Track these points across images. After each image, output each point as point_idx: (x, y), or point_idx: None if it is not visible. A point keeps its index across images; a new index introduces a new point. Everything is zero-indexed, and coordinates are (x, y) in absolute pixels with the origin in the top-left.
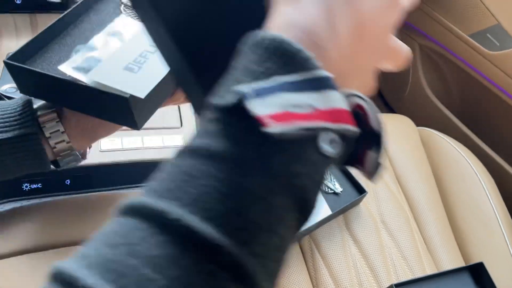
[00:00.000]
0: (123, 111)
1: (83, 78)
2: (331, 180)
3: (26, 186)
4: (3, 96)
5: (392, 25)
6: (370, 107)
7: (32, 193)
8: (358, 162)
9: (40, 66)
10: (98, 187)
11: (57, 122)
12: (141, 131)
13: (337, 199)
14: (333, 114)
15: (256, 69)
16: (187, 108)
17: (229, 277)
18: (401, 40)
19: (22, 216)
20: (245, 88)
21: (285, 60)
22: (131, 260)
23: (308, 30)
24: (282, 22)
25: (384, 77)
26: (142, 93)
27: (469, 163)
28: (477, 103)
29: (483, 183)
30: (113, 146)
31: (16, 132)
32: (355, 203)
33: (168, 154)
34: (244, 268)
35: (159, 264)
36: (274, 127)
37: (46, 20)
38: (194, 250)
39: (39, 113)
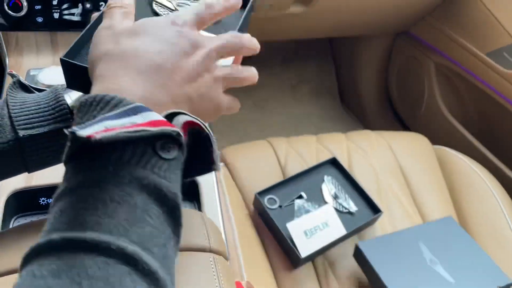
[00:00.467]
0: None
1: None
2: (345, 199)
3: (43, 200)
4: (31, 88)
5: (218, 96)
6: (195, 119)
7: (48, 207)
8: (212, 163)
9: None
10: None
11: None
12: None
13: (352, 219)
14: (152, 123)
15: (86, 116)
16: None
17: (118, 262)
18: (416, 59)
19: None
20: (76, 128)
21: (103, 105)
22: None
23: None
24: (99, 89)
25: (399, 95)
26: None
27: (486, 183)
28: (494, 122)
29: (500, 203)
30: None
31: (51, 127)
32: (370, 223)
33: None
34: (125, 251)
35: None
36: (98, 136)
37: (66, 38)
38: (88, 252)
39: (72, 106)
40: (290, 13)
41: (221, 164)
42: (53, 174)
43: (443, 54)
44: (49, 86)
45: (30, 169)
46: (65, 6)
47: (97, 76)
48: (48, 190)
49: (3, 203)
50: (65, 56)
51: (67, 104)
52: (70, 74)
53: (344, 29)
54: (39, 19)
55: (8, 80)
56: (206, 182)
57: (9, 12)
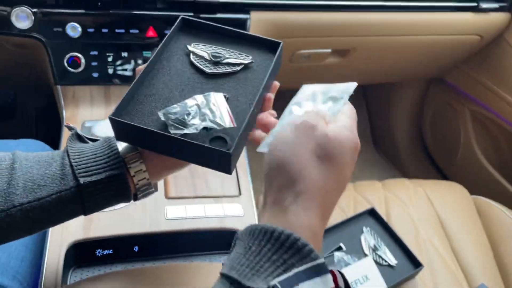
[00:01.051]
0: (221, 161)
1: (182, 131)
2: (385, 251)
3: (99, 252)
4: (86, 139)
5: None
6: (338, 273)
7: (104, 259)
8: None
9: (136, 118)
10: (164, 254)
11: (140, 162)
12: (202, 199)
13: (392, 272)
14: None
15: (275, 259)
16: (244, 178)
17: None
18: (451, 105)
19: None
20: (275, 281)
21: (295, 251)
22: None
23: (307, 227)
24: (291, 220)
25: (434, 141)
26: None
27: None
28: None
29: None
30: (178, 215)
31: (107, 174)
32: (410, 277)
33: (228, 223)
34: None
35: None
36: None
37: (119, 91)
38: None
39: (125, 154)
40: (326, 64)
41: None
42: (109, 226)
43: (478, 102)
44: None
45: (86, 212)
46: (119, 62)
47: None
48: (104, 242)
49: (64, 254)
50: (113, 114)
51: (119, 152)
52: (118, 129)
53: (378, 77)
54: (95, 74)
55: (66, 132)
56: None
57: (69, 68)
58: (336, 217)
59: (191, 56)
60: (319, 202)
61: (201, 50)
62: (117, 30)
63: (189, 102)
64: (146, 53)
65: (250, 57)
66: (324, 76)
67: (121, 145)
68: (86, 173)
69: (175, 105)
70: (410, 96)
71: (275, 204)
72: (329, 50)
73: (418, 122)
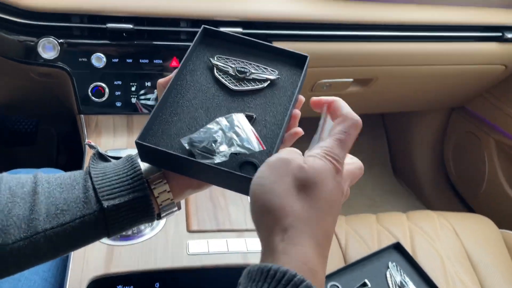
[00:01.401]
0: (244, 185)
1: (207, 159)
2: (405, 281)
3: None
4: (107, 157)
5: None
6: None
7: None
8: None
9: (162, 141)
10: None
11: (164, 183)
12: (225, 233)
13: None
14: None
15: None
16: None
17: None
18: (474, 135)
19: None
20: None
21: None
22: None
23: (301, 262)
24: (283, 259)
25: (457, 171)
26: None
27: None
28: None
29: None
30: (200, 250)
31: (131, 196)
32: None
33: (251, 259)
34: None
35: None
36: None
37: (141, 120)
38: None
39: (148, 175)
40: (347, 93)
41: None
42: (130, 262)
43: (503, 132)
44: None
45: (110, 234)
46: (142, 92)
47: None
48: (125, 278)
49: None
50: (139, 139)
51: (143, 173)
52: (143, 153)
53: (399, 106)
54: (118, 104)
55: (87, 159)
56: None
57: (92, 98)
58: (359, 251)
59: (215, 70)
60: (309, 233)
61: (225, 63)
62: (141, 60)
63: (213, 126)
64: None
65: (276, 72)
66: None
67: (144, 164)
68: (110, 195)
69: (199, 132)
70: (431, 125)
71: (267, 245)
72: (351, 80)
73: (440, 151)
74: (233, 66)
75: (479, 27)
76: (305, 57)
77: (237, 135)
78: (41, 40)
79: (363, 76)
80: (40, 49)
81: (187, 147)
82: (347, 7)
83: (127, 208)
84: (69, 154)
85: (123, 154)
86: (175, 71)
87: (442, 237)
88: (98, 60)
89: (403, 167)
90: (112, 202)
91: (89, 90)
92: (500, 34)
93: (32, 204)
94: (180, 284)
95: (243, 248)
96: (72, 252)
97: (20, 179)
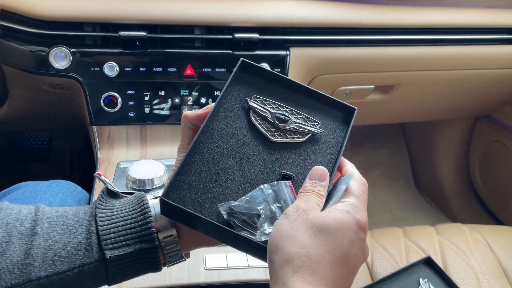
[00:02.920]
0: (261, 253)
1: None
2: None
3: None
4: (118, 193)
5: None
6: None
7: None
8: None
9: (188, 197)
10: None
11: (175, 238)
12: None
13: None
14: None
15: None
16: None
17: None
18: (502, 144)
19: None
20: None
21: None
22: None
23: None
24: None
25: (484, 182)
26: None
27: None
28: None
29: None
30: (218, 264)
31: (137, 247)
32: None
33: None
34: None
35: None
36: None
37: (155, 131)
38: None
39: (160, 228)
40: (367, 100)
41: None
42: (144, 278)
43: None
44: (138, 181)
45: (110, 283)
46: (155, 101)
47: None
48: None
49: None
50: (164, 196)
51: (153, 221)
52: (167, 210)
53: (421, 115)
54: (131, 114)
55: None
56: None
57: (105, 108)
58: (386, 267)
59: (252, 113)
60: (321, 274)
61: (263, 106)
62: (154, 69)
63: (257, 195)
64: (184, 92)
65: (319, 124)
66: (365, 114)
67: (154, 209)
68: (114, 245)
69: (240, 200)
70: (455, 135)
71: (277, 282)
72: (372, 87)
73: (465, 162)
74: (272, 111)
75: (505, 29)
76: (353, 109)
77: (281, 209)
78: (52, 50)
79: (384, 83)
80: (51, 59)
81: (225, 217)
82: (367, 10)
83: (132, 259)
84: (82, 168)
85: (136, 166)
86: (209, 114)
87: (475, 252)
88: (111, 69)
89: (426, 180)
90: (116, 252)
91: (102, 100)
92: None
93: (29, 246)
94: None
95: (264, 262)
96: None
97: (20, 213)
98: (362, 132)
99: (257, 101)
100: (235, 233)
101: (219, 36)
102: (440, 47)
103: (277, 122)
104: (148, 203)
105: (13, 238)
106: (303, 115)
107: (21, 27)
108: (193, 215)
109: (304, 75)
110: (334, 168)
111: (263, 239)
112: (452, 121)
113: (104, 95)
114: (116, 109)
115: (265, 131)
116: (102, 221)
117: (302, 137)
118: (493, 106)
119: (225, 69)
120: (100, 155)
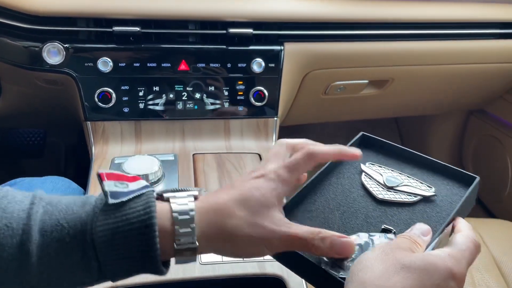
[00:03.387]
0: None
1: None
2: None
3: None
4: (120, 196)
5: None
6: None
7: None
8: None
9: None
10: None
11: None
12: None
13: None
14: None
15: None
16: None
17: None
18: (495, 138)
19: None
20: None
21: None
22: None
23: None
24: None
25: (477, 176)
26: None
27: None
28: None
29: None
30: (213, 259)
31: (140, 272)
32: None
33: (268, 268)
34: None
35: None
36: None
37: (149, 127)
38: None
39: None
40: (361, 95)
41: None
42: None
43: None
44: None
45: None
46: (150, 97)
47: None
48: None
49: None
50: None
51: (159, 250)
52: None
53: (416, 109)
54: (126, 109)
55: (94, 169)
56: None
57: (99, 103)
58: None
59: (363, 175)
60: None
61: (375, 171)
62: (148, 64)
63: (354, 239)
64: (178, 87)
65: (433, 189)
66: (358, 108)
67: (162, 217)
68: (115, 271)
69: None
70: (448, 129)
71: None
72: (366, 81)
73: (458, 156)
74: (384, 174)
75: (498, 23)
76: (473, 177)
77: None
78: (46, 45)
79: (378, 78)
80: (45, 55)
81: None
82: (361, 5)
83: (132, 273)
84: (77, 164)
85: (131, 162)
86: (322, 169)
87: None
88: (105, 64)
89: None
90: (117, 278)
91: (96, 96)
92: None
93: (22, 264)
94: None
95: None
96: None
97: (10, 222)
98: (356, 127)
99: (370, 167)
100: (321, 268)
101: (213, 31)
102: (433, 41)
103: (387, 183)
104: (155, 217)
105: (3, 252)
106: (416, 180)
107: (13, 22)
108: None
109: (298, 70)
110: (441, 228)
111: (348, 276)
112: (446, 115)
113: (98, 91)
114: (111, 104)
115: (373, 189)
116: (101, 243)
117: (411, 199)
118: (486, 100)
119: (219, 64)
120: (95, 151)
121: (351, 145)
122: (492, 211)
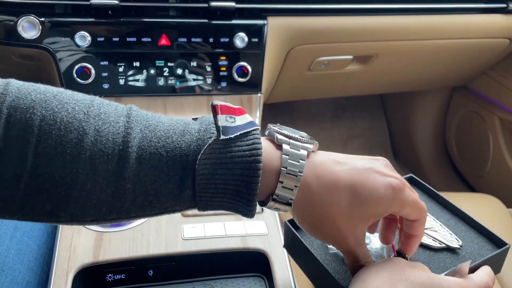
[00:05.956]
0: None
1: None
2: None
3: (110, 277)
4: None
5: None
6: None
7: (115, 284)
8: None
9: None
10: (182, 278)
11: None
12: (222, 217)
13: None
14: None
15: None
16: None
17: None
18: (478, 114)
19: None
20: None
21: None
22: None
23: None
24: None
25: (460, 152)
26: None
27: None
28: None
29: None
30: (196, 234)
31: (233, 206)
32: None
33: (250, 243)
34: None
35: None
36: None
37: (129, 103)
38: None
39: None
40: (346, 71)
41: None
42: (120, 249)
43: (507, 109)
44: None
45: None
46: (130, 72)
47: None
48: (115, 266)
49: (71, 280)
50: (291, 221)
51: (257, 195)
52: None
53: (400, 85)
54: (105, 86)
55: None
56: (277, 257)
57: (78, 79)
58: None
59: None
60: None
61: None
62: (128, 39)
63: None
64: (159, 62)
65: (461, 242)
66: (343, 84)
67: (268, 164)
68: (208, 202)
69: None
70: (432, 105)
71: None
72: (350, 57)
73: (442, 132)
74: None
75: None
76: (504, 243)
77: None
78: (21, 19)
79: (362, 53)
80: (20, 29)
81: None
82: None
83: (223, 209)
84: None
85: None
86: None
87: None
88: (82, 39)
89: (404, 151)
90: (207, 209)
91: (74, 72)
92: (504, 5)
93: (117, 189)
94: (175, 271)
95: (242, 231)
96: (58, 240)
97: (105, 147)
98: (342, 104)
99: None
100: (330, 274)
101: (195, 5)
102: (417, 16)
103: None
104: (260, 161)
105: (98, 177)
106: (447, 230)
107: None
108: (303, 246)
109: (282, 45)
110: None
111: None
112: (430, 92)
113: (77, 66)
114: (90, 80)
115: None
116: (202, 179)
117: (436, 245)
118: (470, 77)
119: (201, 39)
120: None
121: None
122: (473, 186)
